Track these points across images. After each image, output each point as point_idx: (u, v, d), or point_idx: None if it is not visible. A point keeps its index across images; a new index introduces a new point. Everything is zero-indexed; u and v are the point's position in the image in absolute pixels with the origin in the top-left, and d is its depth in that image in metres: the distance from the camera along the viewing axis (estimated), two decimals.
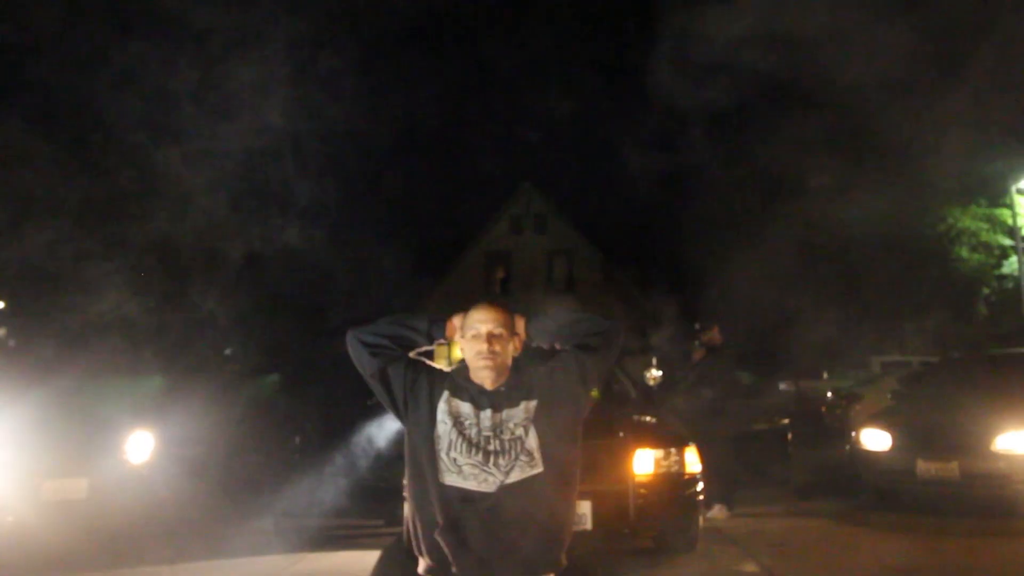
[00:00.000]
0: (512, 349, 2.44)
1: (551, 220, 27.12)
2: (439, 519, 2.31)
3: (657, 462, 5.21)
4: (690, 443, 5.38)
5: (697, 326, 7.62)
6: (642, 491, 5.09)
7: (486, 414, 2.36)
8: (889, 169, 20.57)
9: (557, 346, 2.50)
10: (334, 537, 6.51)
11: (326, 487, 6.86)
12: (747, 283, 23.74)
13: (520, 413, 2.36)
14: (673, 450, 5.26)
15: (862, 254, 22.30)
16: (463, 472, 2.30)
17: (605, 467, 5.07)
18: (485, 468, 2.29)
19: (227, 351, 12.92)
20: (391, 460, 6.55)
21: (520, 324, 2.49)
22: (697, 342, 7.52)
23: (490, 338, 2.38)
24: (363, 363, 2.46)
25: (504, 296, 25.53)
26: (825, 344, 21.61)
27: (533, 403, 2.37)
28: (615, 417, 5.69)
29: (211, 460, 7.34)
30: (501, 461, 2.29)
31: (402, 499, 5.70)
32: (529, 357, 2.52)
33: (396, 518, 6.36)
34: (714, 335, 7.55)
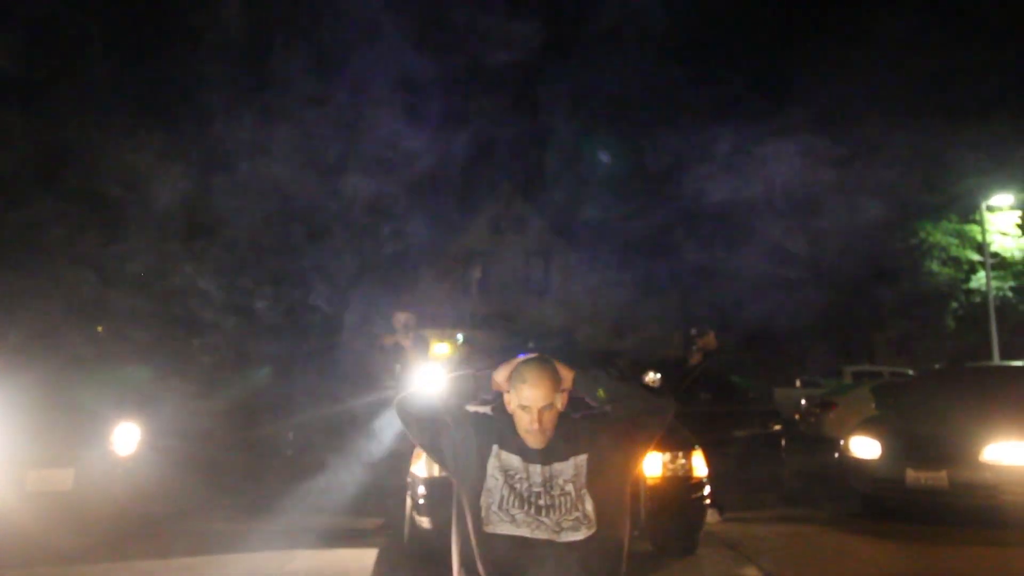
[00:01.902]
0: (560, 404, 2.46)
1: (529, 221, 27.15)
2: (484, 571, 2.38)
3: (665, 465, 5.23)
4: (697, 447, 5.40)
5: (693, 331, 7.65)
6: (651, 494, 5.10)
7: (535, 468, 2.42)
8: (866, 184, 20.93)
9: (607, 408, 2.53)
10: (330, 535, 6.40)
11: (322, 483, 6.77)
12: (720, 292, 24.02)
13: (570, 469, 2.41)
14: (681, 453, 5.28)
15: (833, 265, 22.63)
16: (516, 520, 2.37)
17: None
18: (538, 518, 2.37)
19: (195, 341, 12.69)
20: (389, 458, 6.48)
21: (568, 378, 2.50)
22: (694, 346, 7.55)
23: (541, 413, 2.40)
24: (413, 435, 2.57)
25: (481, 295, 25.50)
26: (798, 352, 21.96)
27: (582, 459, 2.42)
28: None
29: (199, 453, 7.19)
30: (553, 515, 2.37)
31: (402, 499, 5.67)
32: (574, 406, 2.58)
33: (393, 516, 6.30)
34: (710, 340, 7.60)
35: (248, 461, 7.61)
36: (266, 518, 6.83)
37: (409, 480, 5.36)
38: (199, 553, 5.96)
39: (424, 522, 5.11)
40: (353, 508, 6.83)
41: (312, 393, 7.39)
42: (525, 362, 2.49)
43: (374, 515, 6.81)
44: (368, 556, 5.89)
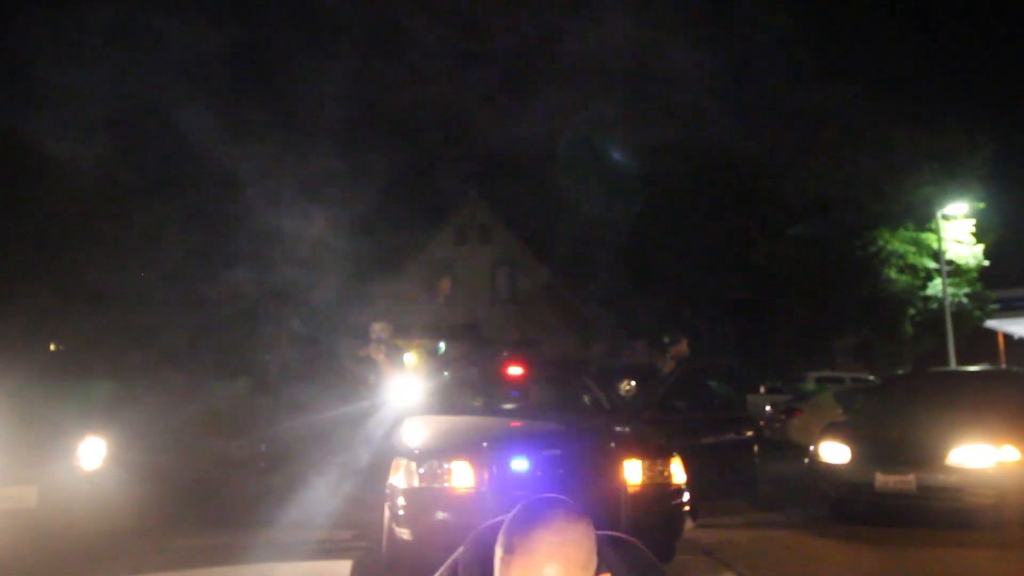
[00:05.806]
0: None
1: (495, 230, 27.12)
2: None
3: (644, 472, 5.25)
4: (675, 454, 5.43)
5: (666, 340, 7.74)
6: (631, 501, 5.11)
7: None
8: (828, 192, 21.33)
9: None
10: (303, 547, 6.30)
11: (295, 495, 6.67)
12: (683, 299, 24.28)
13: None
14: (660, 461, 5.31)
15: (796, 273, 22.98)
16: None
17: (596, 476, 5.10)
18: None
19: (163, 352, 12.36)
20: (363, 469, 6.42)
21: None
22: (668, 355, 7.63)
23: None
24: None
25: (450, 308, 25.38)
26: (763, 359, 22.28)
27: None
28: (603, 427, 5.74)
29: (168, 467, 7.03)
30: None
31: (380, 510, 5.61)
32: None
33: (368, 527, 6.25)
34: (683, 348, 7.69)
35: (219, 474, 7.46)
36: (238, 532, 6.70)
37: (388, 491, 5.32)
38: (168, 569, 5.83)
39: (404, 533, 5.07)
40: (326, 519, 6.74)
41: (285, 405, 7.29)
42: (540, 521, 1.62)
43: (348, 526, 6.73)
44: (343, 567, 5.82)
